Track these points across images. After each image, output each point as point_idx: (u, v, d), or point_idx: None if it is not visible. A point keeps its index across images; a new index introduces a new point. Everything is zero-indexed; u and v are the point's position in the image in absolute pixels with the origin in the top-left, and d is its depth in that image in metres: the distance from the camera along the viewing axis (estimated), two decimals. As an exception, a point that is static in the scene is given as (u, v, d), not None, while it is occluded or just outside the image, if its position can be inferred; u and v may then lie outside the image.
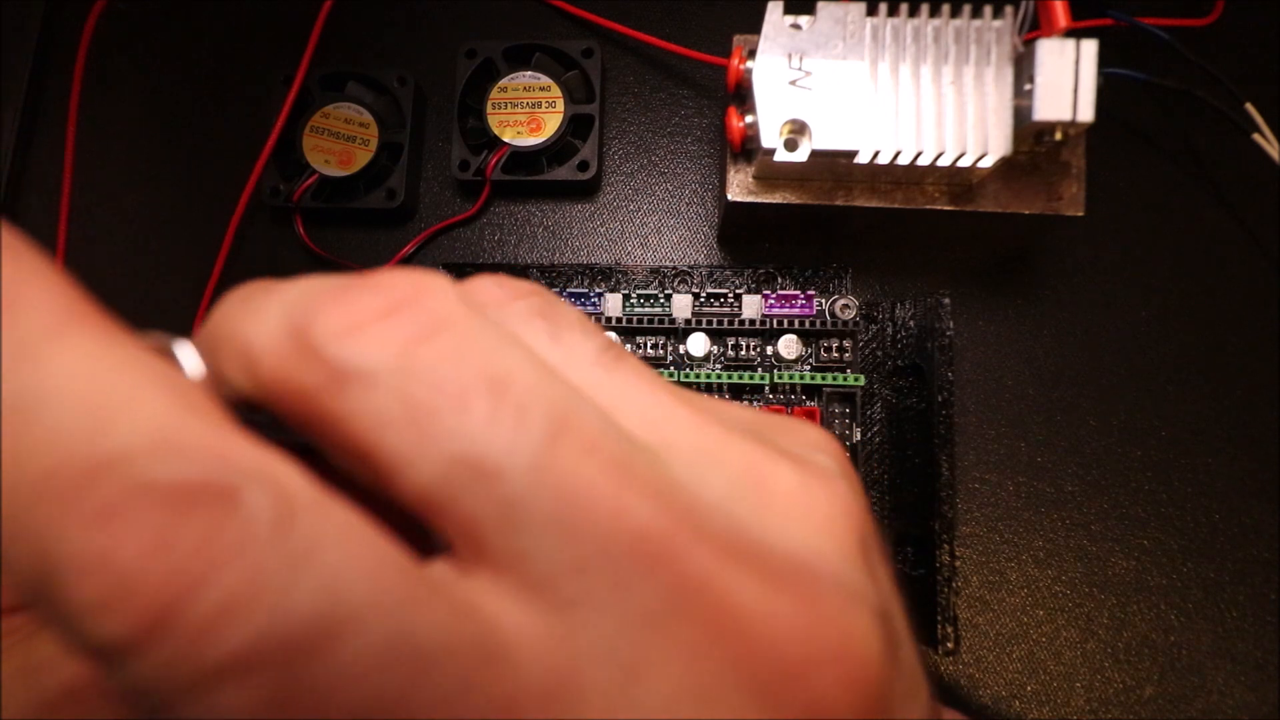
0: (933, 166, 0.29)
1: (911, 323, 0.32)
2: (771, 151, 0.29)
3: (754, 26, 0.29)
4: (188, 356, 0.11)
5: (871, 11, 0.29)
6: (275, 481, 0.09)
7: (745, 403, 0.33)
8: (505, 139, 0.35)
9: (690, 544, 0.10)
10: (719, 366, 0.33)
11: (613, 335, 0.33)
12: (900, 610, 0.12)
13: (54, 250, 0.36)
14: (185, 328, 0.35)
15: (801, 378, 0.32)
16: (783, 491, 0.11)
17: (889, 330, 0.33)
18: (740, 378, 0.32)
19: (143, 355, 0.09)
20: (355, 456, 0.10)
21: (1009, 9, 0.29)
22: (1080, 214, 0.30)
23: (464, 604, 0.09)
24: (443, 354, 0.10)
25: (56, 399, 0.08)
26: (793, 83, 0.29)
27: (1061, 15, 0.28)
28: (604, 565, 0.09)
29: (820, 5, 0.29)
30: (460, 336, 0.10)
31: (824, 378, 0.32)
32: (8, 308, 0.09)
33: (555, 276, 0.34)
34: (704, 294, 0.33)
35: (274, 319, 0.10)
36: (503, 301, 0.12)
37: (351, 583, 0.08)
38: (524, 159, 0.35)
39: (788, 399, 0.33)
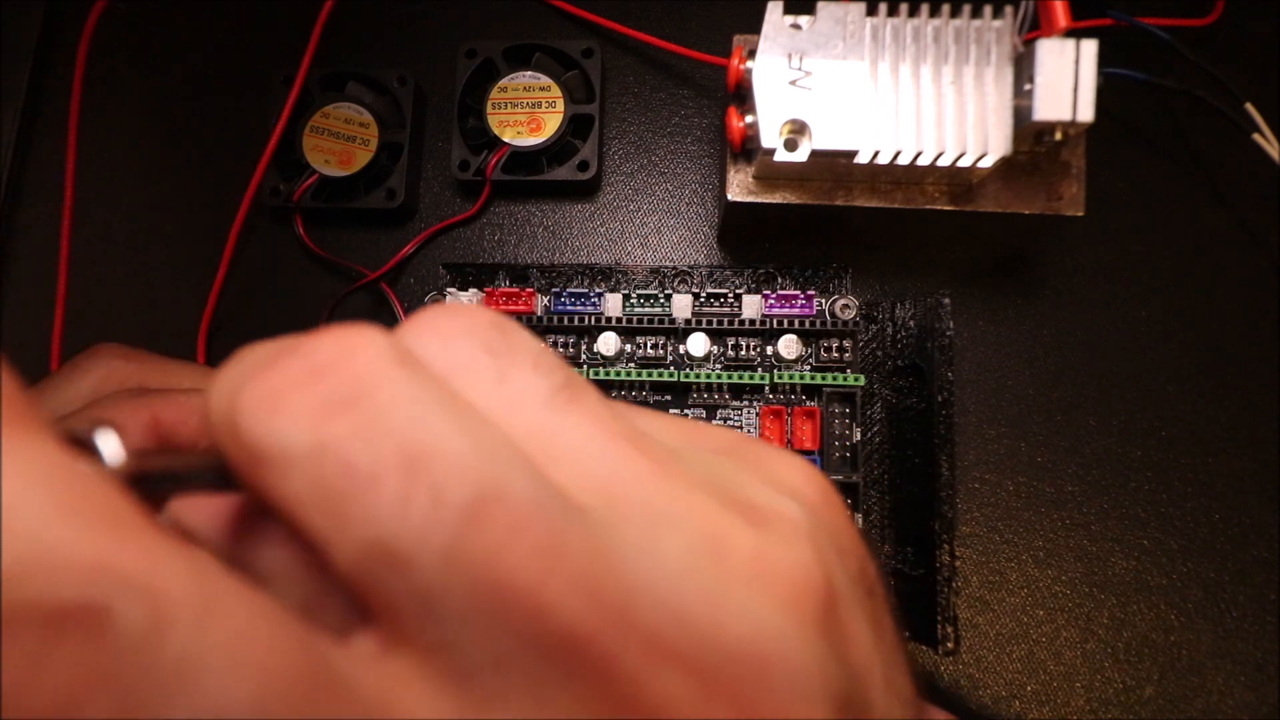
0: (933, 166, 0.29)
1: (911, 323, 0.32)
2: (771, 151, 0.29)
3: (754, 26, 0.29)
4: (109, 445, 0.10)
5: (871, 11, 0.29)
6: (151, 591, 0.08)
7: (743, 410, 0.33)
8: (505, 139, 0.35)
9: (621, 643, 0.09)
10: (719, 366, 0.33)
11: (611, 338, 0.33)
12: (881, 660, 0.12)
13: (55, 251, 0.36)
14: (185, 328, 0.35)
15: (801, 378, 0.32)
16: (740, 560, 0.10)
17: (889, 330, 0.33)
18: (740, 378, 0.32)
19: (40, 455, 0.09)
20: (293, 530, 0.10)
21: (1009, 9, 0.29)
22: (1080, 214, 0.30)
23: (374, 699, 0.09)
24: (356, 429, 0.09)
25: None
26: (793, 83, 0.29)
27: (1061, 15, 0.28)
28: (526, 664, 0.09)
29: (820, 5, 0.29)
30: (380, 405, 0.09)
31: (824, 378, 0.32)
32: None
33: (555, 276, 0.34)
34: (704, 294, 0.33)
35: (224, 392, 0.10)
36: (451, 336, 0.11)
37: (237, 695, 0.08)
38: (524, 159, 0.35)
39: (788, 399, 0.33)
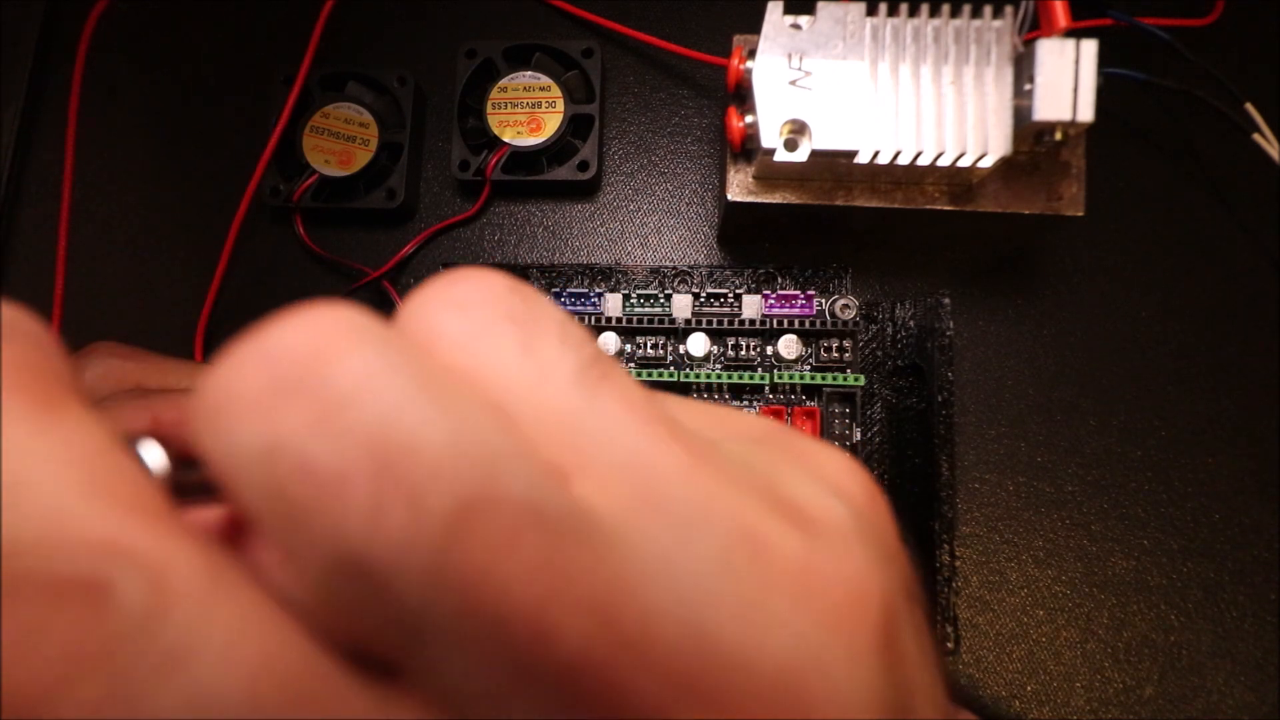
0: (933, 166, 0.29)
1: (911, 323, 0.32)
2: (771, 151, 0.29)
3: (754, 26, 0.29)
4: (152, 454, 0.10)
5: (871, 11, 0.29)
6: (155, 573, 0.08)
7: (754, 412, 0.33)
8: (505, 139, 0.35)
9: (636, 674, 0.08)
10: (719, 366, 0.33)
11: (611, 338, 0.33)
12: (926, 677, 0.11)
13: (54, 250, 0.36)
14: (185, 327, 0.35)
15: (801, 378, 0.32)
16: (781, 568, 0.09)
17: (889, 330, 0.33)
18: (740, 378, 0.32)
19: (63, 427, 0.08)
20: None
21: (1009, 9, 0.29)
22: (1080, 214, 0.30)
23: (370, 709, 0.08)
24: (314, 422, 0.08)
25: None
26: (793, 83, 0.29)
27: (1061, 15, 0.28)
28: (527, 694, 0.08)
29: (820, 5, 0.29)
30: (342, 391, 0.08)
31: (824, 378, 0.32)
32: None
33: (555, 276, 0.34)
34: (704, 294, 0.33)
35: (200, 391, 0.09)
36: (469, 305, 0.10)
37: (225, 689, 0.08)
38: (524, 159, 0.35)
39: (788, 399, 0.33)
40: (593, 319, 0.33)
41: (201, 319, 0.35)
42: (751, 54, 0.29)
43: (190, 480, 0.10)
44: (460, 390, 0.09)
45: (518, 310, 0.10)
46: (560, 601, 0.08)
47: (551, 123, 0.35)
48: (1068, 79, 0.27)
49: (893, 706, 0.09)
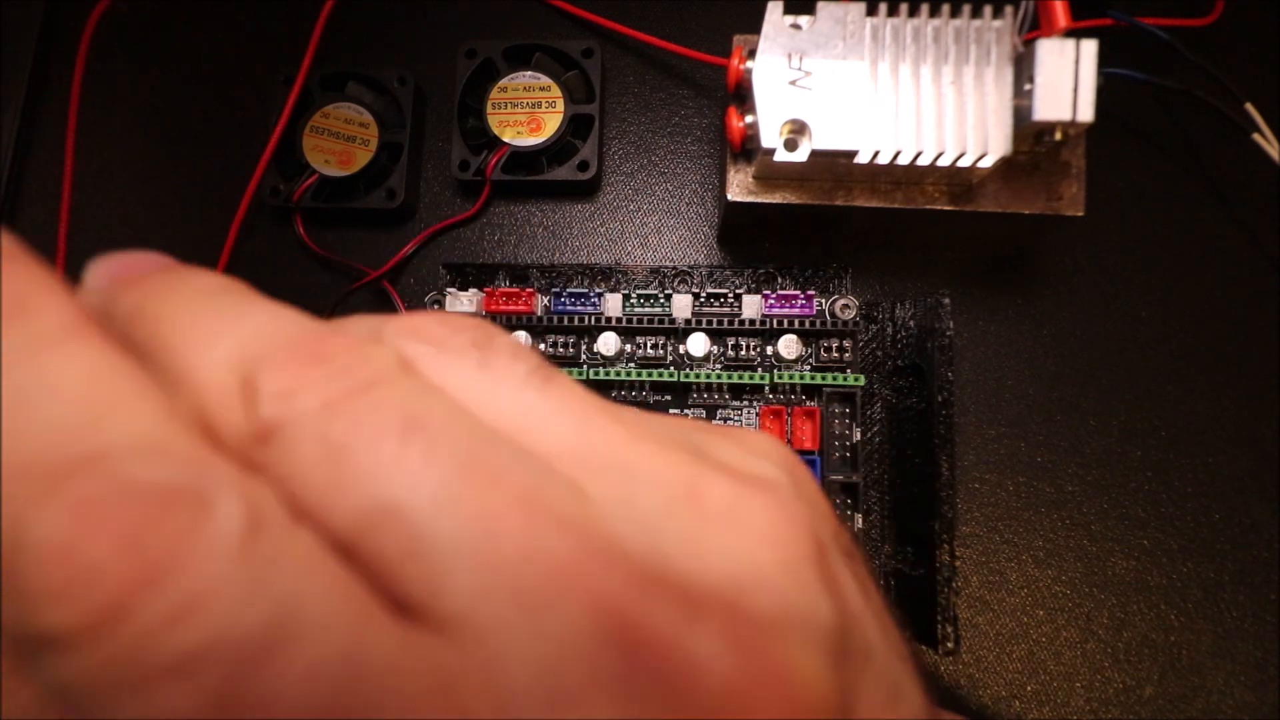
0: (933, 166, 0.29)
1: (911, 323, 0.32)
2: (771, 151, 0.29)
3: (754, 26, 0.29)
4: None
5: (871, 11, 0.29)
6: (249, 496, 0.09)
7: (743, 411, 0.33)
8: (505, 139, 0.35)
9: (604, 571, 0.10)
10: (719, 366, 0.33)
11: (611, 338, 0.33)
12: (873, 612, 0.12)
13: (54, 250, 0.36)
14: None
15: (801, 378, 0.32)
16: (717, 507, 0.11)
17: (889, 330, 0.33)
18: (740, 378, 0.32)
19: (138, 369, 0.10)
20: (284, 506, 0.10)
21: (1009, 9, 0.29)
22: (1080, 214, 0.30)
23: (408, 640, 0.09)
24: (364, 404, 0.10)
25: (54, 395, 0.09)
26: (793, 83, 0.29)
27: (1061, 15, 0.28)
28: (515, 595, 0.09)
29: (820, 5, 0.29)
30: (382, 389, 0.10)
31: (824, 378, 0.32)
32: (18, 310, 0.09)
33: (555, 276, 0.34)
34: (704, 294, 0.33)
35: (224, 359, 0.10)
36: (441, 337, 0.12)
37: (306, 604, 0.09)
38: (524, 159, 0.35)
39: (788, 399, 0.33)
40: (593, 319, 0.33)
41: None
42: (751, 54, 0.29)
43: None
44: (455, 400, 0.11)
45: (478, 338, 0.12)
46: (540, 521, 0.10)
47: (551, 123, 0.35)
48: (1068, 79, 0.27)
49: (831, 617, 0.11)
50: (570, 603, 0.09)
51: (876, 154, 0.28)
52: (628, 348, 0.33)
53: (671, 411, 0.33)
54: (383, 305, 0.36)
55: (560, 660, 0.09)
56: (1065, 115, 0.27)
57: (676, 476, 0.11)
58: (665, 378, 0.32)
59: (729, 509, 0.11)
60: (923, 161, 0.29)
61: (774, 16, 0.29)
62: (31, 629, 0.08)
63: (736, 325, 0.32)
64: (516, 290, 0.33)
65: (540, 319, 0.33)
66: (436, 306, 0.33)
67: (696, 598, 0.10)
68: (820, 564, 0.11)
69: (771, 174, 0.31)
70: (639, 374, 0.32)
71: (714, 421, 0.33)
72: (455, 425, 0.10)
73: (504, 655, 0.09)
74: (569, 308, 0.33)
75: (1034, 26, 0.29)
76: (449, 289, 0.33)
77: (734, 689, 0.09)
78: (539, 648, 0.09)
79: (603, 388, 0.33)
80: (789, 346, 0.32)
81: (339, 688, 0.08)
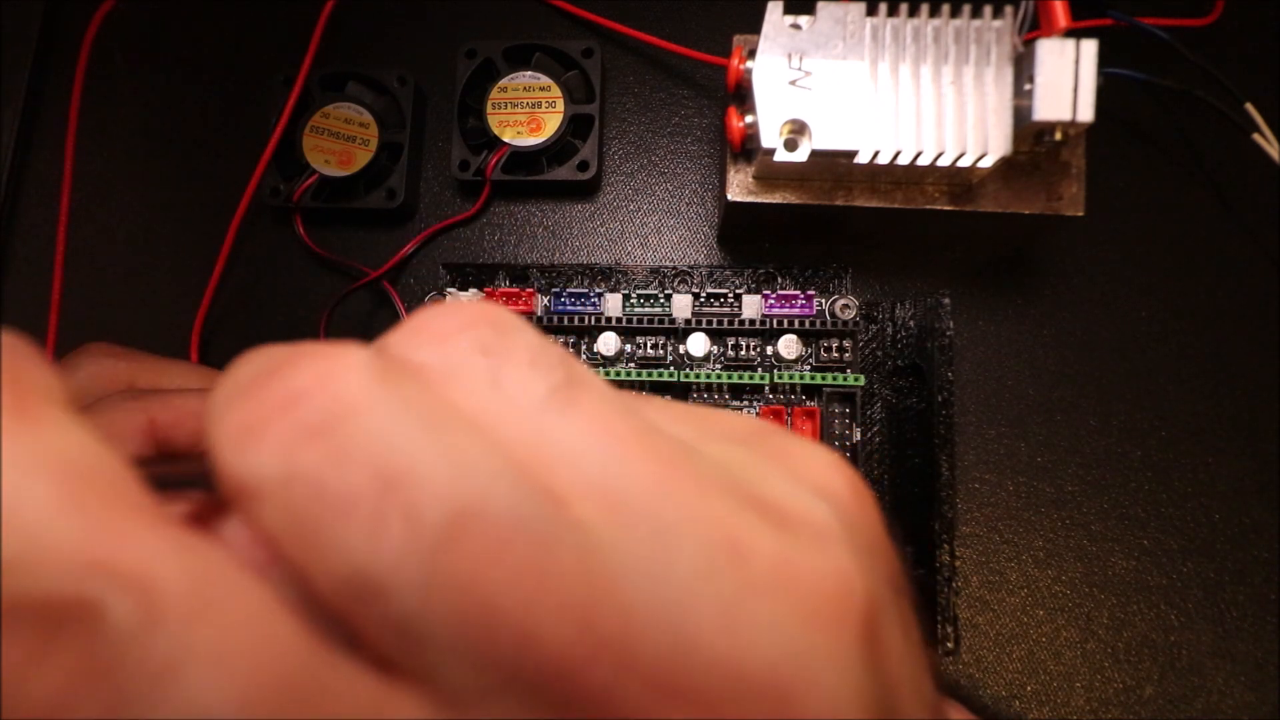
0: (933, 166, 0.29)
1: (911, 323, 0.32)
2: (771, 151, 0.29)
3: (754, 26, 0.29)
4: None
5: (871, 11, 0.29)
6: (143, 585, 0.08)
7: (743, 411, 0.33)
8: (505, 139, 0.35)
9: (618, 677, 0.08)
10: (719, 366, 0.33)
11: (611, 337, 0.33)
12: (911, 673, 0.11)
13: (54, 251, 0.36)
14: (185, 328, 0.35)
15: (801, 378, 0.32)
16: (761, 570, 0.09)
17: (889, 330, 0.33)
18: (740, 378, 0.32)
19: (43, 434, 0.09)
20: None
21: (1009, 9, 0.29)
22: (1080, 214, 0.30)
23: (363, 712, 0.08)
24: (329, 455, 0.09)
25: None
26: (793, 83, 0.29)
27: (1061, 15, 0.28)
28: (518, 695, 0.08)
29: (820, 5, 0.29)
30: (354, 430, 0.09)
31: (824, 378, 0.32)
32: None
33: (555, 276, 0.34)
34: (704, 294, 0.33)
35: (209, 410, 0.09)
36: (445, 337, 0.10)
37: (222, 695, 0.08)
38: (524, 159, 0.35)
39: (788, 399, 0.33)
40: (593, 319, 0.33)
41: (198, 319, 0.35)
42: (751, 54, 0.29)
43: (175, 473, 0.10)
44: (452, 419, 0.09)
45: (489, 341, 0.10)
46: (544, 604, 0.08)
47: (551, 123, 0.35)
48: (1068, 79, 0.27)
49: (877, 703, 0.10)
50: (575, 709, 0.08)
51: (876, 154, 0.28)
52: (628, 348, 0.33)
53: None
54: (383, 305, 0.36)
55: None
56: (1065, 115, 0.27)
57: (717, 529, 0.09)
58: (665, 378, 0.32)
59: (773, 573, 0.09)
60: (923, 161, 0.29)
61: (774, 16, 0.29)
62: None
63: (736, 325, 0.32)
64: (516, 290, 0.33)
65: (540, 319, 0.33)
66: (436, 306, 0.33)
67: (728, 705, 0.09)
68: (871, 642, 0.10)
69: (771, 174, 0.31)
70: (639, 374, 0.32)
71: (766, 421, 0.33)
72: (441, 469, 0.09)
73: None
74: (569, 308, 0.33)
75: (1034, 26, 0.29)
76: (449, 289, 0.33)
77: None
78: None
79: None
80: (789, 346, 0.32)
81: None
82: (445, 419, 0.09)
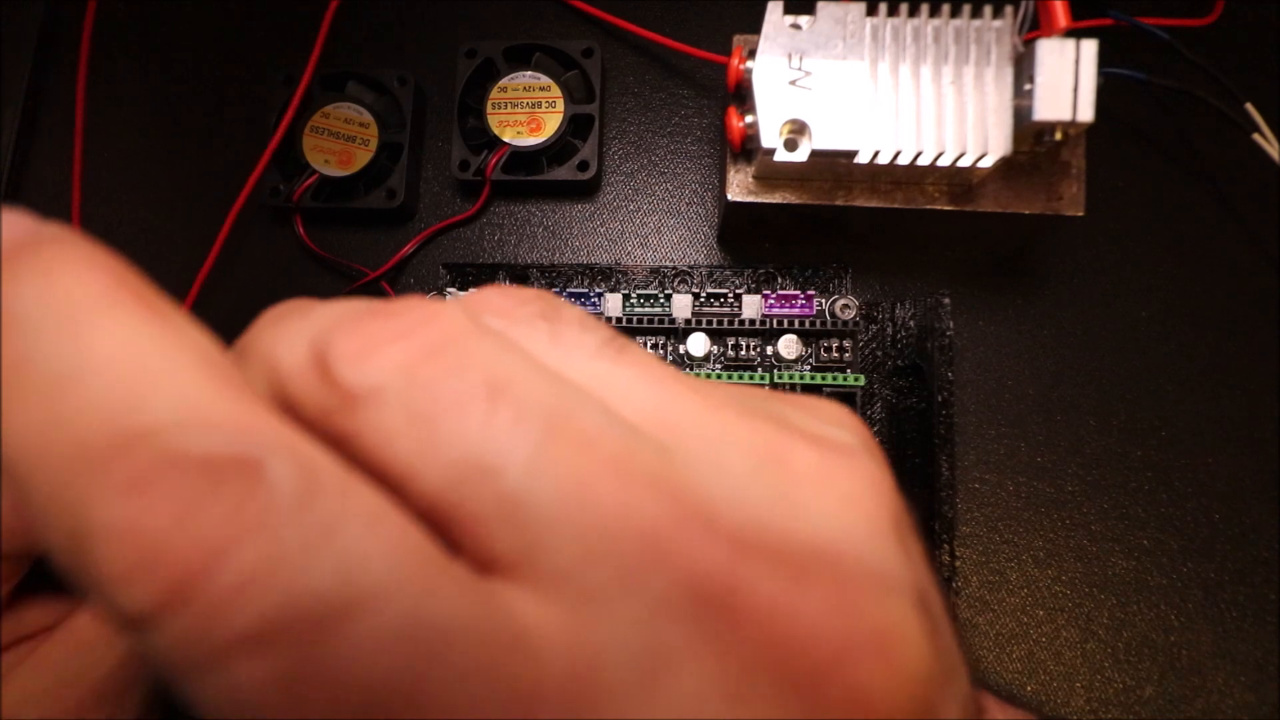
0: (933, 166, 0.29)
1: (911, 323, 0.32)
2: (771, 151, 0.29)
3: (754, 26, 0.29)
4: None
5: (871, 11, 0.29)
6: (301, 457, 0.09)
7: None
8: (505, 139, 0.35)
9: (701, 536, 0.10)
10: (719, 366, 0.33)
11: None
12: (936, 589, 0.12)
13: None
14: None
15: (801, 378, 0.32)
16: (803, 471, 0.11)
17: (889, 330, 0.33)
18: (740, 378, 0.32)
19: (182, 332, 0.10)
20: (372, 473, 0.10)
21: (1009, 9, 0.29)
22: (1080, 214, 0.30)
23: (484, 593, 0.09)
24: (444, 368, 0.10)
25: (95, 371, 0.09)
26: (793, 83, 0.29)
27: (1061, 15, 0.28)
28: (613, 559, 0.09)
29: (820, 5, 0.29)
30: (462, 351, 0.10)
31: (824, 378, 0.32)
32: (50, 281, 0.09)
33: (555, 276, 0.34)
34: (704, 294, 0.33)
35: (300, 343, 0.10)
36: (508, 310, 0.12)
37: (370, 562, 0.09)
38: (524, 159, 0.35)
39: (788, 399, 0.32)
40: (595, 317, 0.32)
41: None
42: (751, 54, 0.29)
43: None
44: (538, 360, 0.11)
45: (547, 310, 0.12)
46: (635, 485, 0.10)
47: (551, 123, 0.35)
48: (1068, 79, 0.27)
49: (914, 582, 0.11)
50: (670, 568, 0.09)
51: (876, 154, 0.28)
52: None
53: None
54: (383, 305, 0.36)
55: (662, 629, 0.09)
56: (1065, 115, 0.27)
57: (761, 441, 0.11)
58: (673, 367, 0.32)
59: (815, 473, 0.11)
60: (923, 161, 0.29)
61: (774, 16, 0.29)
62: (114, 613, 0.08)
63: (736, 325, 0.32)
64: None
65: (540, 319, 0.33)
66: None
67: (796, 560, 0.10)
68: (900, 531, 0.11)
69: (771, 174, 0.31)
70: (639, 374, 0.32)
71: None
72: (540, 385, 0.10)
73: (603, 621, 0.09)
74: (569, 308, 0.33)
75: (1034, 26, 0.29)
76: (449, 289, 0.33)
77: (839, 649, 0.09)
78: (640, 614, 0.09)
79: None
80: (789, 346, 0.32)
81: (413, 646, 0.08)
82: (532, 357, 0.11)
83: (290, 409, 0.10)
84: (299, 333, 0.10)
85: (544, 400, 0.10)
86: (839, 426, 0.13)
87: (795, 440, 0.11)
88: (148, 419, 0.08)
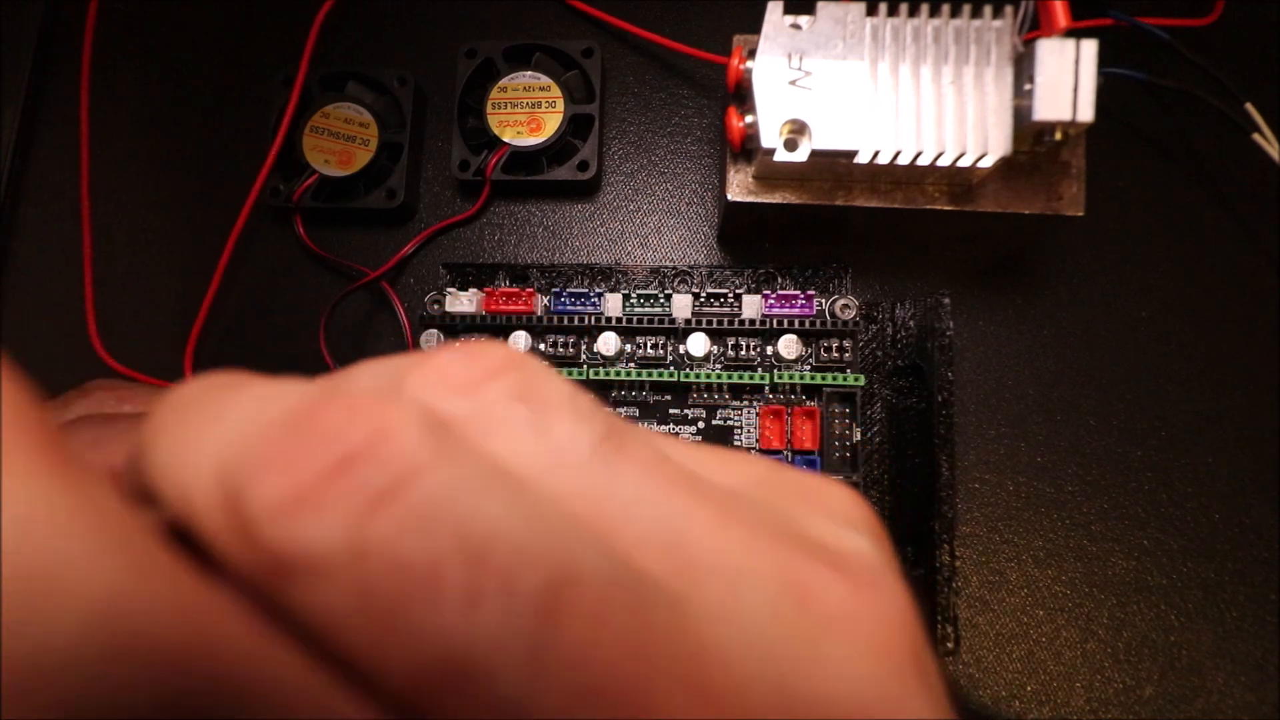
0: (933, 166, 0.29)
1: (911, 323, 0.32)
2: (771, 151, 0.29)
3: (754, 26, 0.29)
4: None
5: (871, 11, 0.29)
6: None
7: (742, 411, 0.33)
8: (505, 139, 0.35)
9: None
10: (719, 366, 0.33)
11: (611, 337, 0.33)
12: (953, 710, 0.11)
13: (53, 251, 0.36)
14: (185, 330, 0.35)
15: (801, 378, 0.32)
16: (826, 609, 0.10)
17: (889, 330, 0.33)
18: (740, 378, 0.32)
19: (84, 504, 0.08)
20: (321, 648, 0.08)
21: (1009, 9, 0.29)
22: (1080, 214, 0.30)
23: None
24: (401, 523, 0.08)
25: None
26: (793, 83, 0.29)
27: (1061, 15, 0.28)
28: None
29: (820, 5, 0.29)
30: (426, 492, 0.08)
31: (824, 378, 0.32)
32: None
33: (555, 276, 0.34)
34: (704, 294, 0.33)
35: (208, 464, 0.08)
36: (473, 384, 0.10)
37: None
38: (524, 159, 0.35)
39: (788, 399, 0.32)
40: (593, 319, 0.33)
41: (198, 320, 0.35)
42: (751, 54, 0.29)
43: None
44: (512, 477, 0.09)
45: (525, 389, 0.10)
46: (658, 669, 0.08)
47: (551, 123, 0.35)
48: (1068, 79, 0.27)
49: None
50: None
51: (876, 154, 0.28)
52: (628, 348, 0.33)
53: (671, 411, 0.33)
54: (382, 305, 0.36)
55: None
56: (1065, 115, 0.27)
57: (779, 572, 0.10)
58: (665, 378, 0.32)
59: (838, 614, 0.10)
60: (923, 161, 0.29)
61: (774, 16, 0.29)
62: None
63: (736, 325, 0.32)
64: (516, 290, 0.33)
65: (540, 319, 0.33)
66: (436, 306, 0.33)
67: None
68: (923, 670, 0.10)
69: (771, 174, 0.31)
70: (639, 374, 0.32)
71: (768, 458, 0.33)
72: (530, 536, 0.08)
73: None
74: (569, 308, 0.33)
75: (1034, 26, 0.29)
76: (449, 289, 0.33)
77: None
78: None
79: (602, 388, 0.33)
80: (789, 346, 0.32)
81: None
82: (507, 477, 0.09)
83: (203, 547, 0.08)
84: (203, 452, 0.08)
85: (539, 557, 0.08)
86: (854, 530, 0.11)
87: (816, 568, 0.10)
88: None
